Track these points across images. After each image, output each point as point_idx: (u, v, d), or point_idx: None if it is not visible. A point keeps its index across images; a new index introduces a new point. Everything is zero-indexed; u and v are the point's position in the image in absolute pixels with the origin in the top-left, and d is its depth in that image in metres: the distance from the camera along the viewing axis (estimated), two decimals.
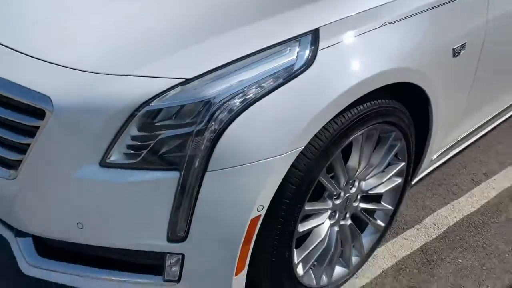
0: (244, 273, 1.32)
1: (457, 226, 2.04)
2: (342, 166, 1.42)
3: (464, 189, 2.27)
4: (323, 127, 1.26)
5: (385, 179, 1.64)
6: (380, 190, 1.65)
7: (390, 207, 1.74)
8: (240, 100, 1.14)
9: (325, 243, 1.54)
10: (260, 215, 1.23)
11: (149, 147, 1.16)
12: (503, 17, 1.76)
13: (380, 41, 1.35)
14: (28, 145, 1.24)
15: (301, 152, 1.24)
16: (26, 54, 1.26)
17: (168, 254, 1.26)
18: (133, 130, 1.16)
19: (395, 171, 1.65)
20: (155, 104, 1.13)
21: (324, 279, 1.60)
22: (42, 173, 1.25)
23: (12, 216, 1.38)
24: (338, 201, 1.52)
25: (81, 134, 1.18)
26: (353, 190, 1.57)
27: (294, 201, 1.28)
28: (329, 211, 1.51)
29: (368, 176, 1.59)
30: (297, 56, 1.21)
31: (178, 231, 1.21)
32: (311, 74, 1.21)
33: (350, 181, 1.53)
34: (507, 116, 2.43)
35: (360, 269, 1.78)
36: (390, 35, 1.37)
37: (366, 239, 1.73)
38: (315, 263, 1.57)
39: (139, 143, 1.17)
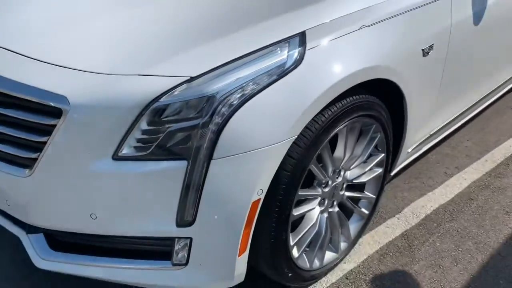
0: (246, 254, 1.44)
1: (434, 214, 2.21)
2: (329, 155, 1.57)
3: (438, 181, 2.45)
4: (312, 119, 1.41)
5: (367, 169, 1.80)
6: (363, 179, 1.81)
7: (372, 195, 1.89)
8: (239, 95, 1.29)
9: (317, 227, 1.68)
10: (260, 199, 1.36)
11: (159, 140, 1.28)
12: (464, 22, 1.96)
13: (358, 42, 1.52)
14: (44, 143, 1.35)
15: (294, 142, 1.38)
16: (41, 61, 1.38)
17: (177, 239, 1.38)
18: (143, 124, 1.28)
19: (375, 161, 1.81)
20: (163, 100, 1.26)
21: (316, 262, 1.73)
22: (58, 168, 1.35)
23: (27, 213, 1.47)
24: (326, 189, 1.67)
25: (96, 130, 1.30)
26: (339, 179, 1.72)
27: (289, 186, 1.42)
28: (319, 198, 1.66)
29: (352, 166, 1.75)
30: (287, 56, 1.36)
31: (186, 216, 1.33)
32: (301, 72, 1.37)
33: (337, 171, 1.68)
34: (474, 112, 2.64)
35: (348, 255, 1.92)
36: (367, 37, 1.54)
37: (353, 226, 1.88)
38: (307, 249, 1.71)
39: (149, 137, 1.29)
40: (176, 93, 1.26)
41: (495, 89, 2.66)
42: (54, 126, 1.32)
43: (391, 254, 1.96)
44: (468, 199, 2.33)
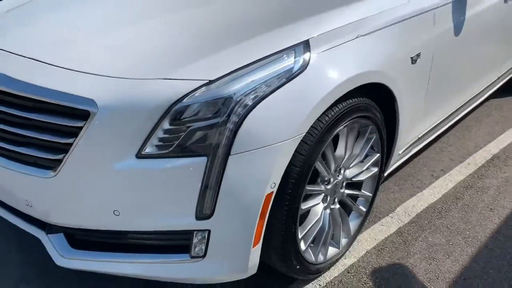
0: (259, 246, 1.55)
1: (424, 212, 2.35)
2: (332, 153, 1.71)
3: (426, 183, 2.61)
4: (318, 118, 1.54)
5: (364, 168, 1.93)
6: (361, 177, 1.94)
7: (369, 194, 2.03)
8: (253, 96, 1.41)
9: (321, 223, 1.80)
10: (273, 192, 1.48)
11: (180, 138, 1.39)
12: (446, 33, 2.14)
13: (355, 50, 1.67)
14: (70, 144, 1.44)
15: (302, 140, 1.51)
16: (69, 69, 1.48)
17: (195, 232, 1.48)
18: (165, 124, 1.39)
19: (372, 161, 1.95)
20: (185, 102, 1.38)
21: (321, 257, 1.84)
22: (83, 168, 1.44)
23: (50, 212, 1.55)
24: (329, 186, 1.80)
25: (120, 131, 1.40)
26: (340, 177, 1.85)
27: (298, 181, 1.54)
28: (323, 194, 1.78)
29: (351, 165, 1.88)
30: (294, 61, 1.50)
31: (205, 209, 1.43)
32: (306, 76, 1.50)
33: (338, 169, 1.81)
34: (458, 117, 2.83)
35: (348, 251, 2.04)
36: (362, 45, 1.69)
37: (352, 223, 2.00)
38: (311, 244, 1.82)
39: (171, 136, 1.39)
40: (196, 95, 1.38)
41: (476, 95, 2.86)
42: (81, 128, 1.41)
43: (387, 249, 2.09)
44: (454, 198, 2.48)
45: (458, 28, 2.22)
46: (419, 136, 2.33)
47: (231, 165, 1.40)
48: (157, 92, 1.38)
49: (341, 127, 1.66)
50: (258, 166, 1.43)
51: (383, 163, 2.03)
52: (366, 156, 1.93)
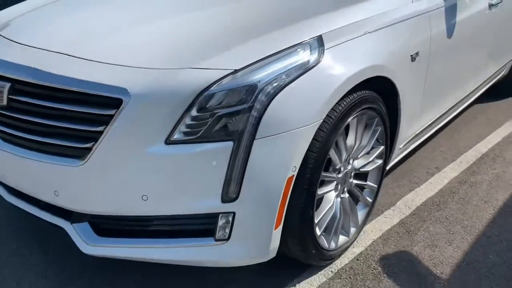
0: (280, 228, 1.63)
1: (424, 205, 2.47)
2: (344, 142, 1.81)
3: (423, 179, 2.73)
4: (332, 108, 1.65)
5: (370, 159, 2.04)
6: (368, 168, 2.05)
7: (374, 185, 2.13)
8: (275, 84, 1.51)
9: (333, 210, 1.89)
10: (293, 175, 1.57)
11: (208, 124, 1.47)
12: (440, 35, 2.29)
13: (363, 45, 1.79)
14: (100, 132, 1.51)
15: (319, 128, 1.61)
16: (101, 62, 1.56)
17: (220, 214, 1.55)
18: (193, 112, 1.47)
19: (377, 153, 2.06)
20: (212, 89, 1.46)
21: (333, 244, 1.93)
22: (113, 155, 1.51)
23: (78, 200, 1.60)
24: (340, 175, 1.89)
25: (151, 119, 1.47)
26: (349, 167, 1.95)
27: (315, 166, 1.63)
28: (335, 182, 1.88)
29: (359, 155, 1.99)
30: (310, 54, 1.61)
31: (231, 192, 1.51)
32: (321, 67, 1.61)
33: (348, 159, 1.91)
34: (452, 115, 2.99)
35: (355, 241, 2.13)
36: (369, 41, 1.82)
37: (359, 213, 2.10)
38: (324, 233, 1.90)
39: (198, 122, 1.47)
40: (223, 83, 1.47)
41: (468, 95, 3.02)
42: (112, 116, 1.48)
43: (392, 238, 2.19)
44: (450, 192, 2.61)
45: (450, 31, 2.37)
46: (417, 133, 2.46)
47: (256, 149, 1.49)
48: (186, 81, 1.47)
49: (352, 117, 1.77)
50: (281, 150, 1.52)
51: (387, 156, 2.14)
52: (372, 148, 2.04)
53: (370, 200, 2.14)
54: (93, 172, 1.55)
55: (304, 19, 1.72)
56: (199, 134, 1.48)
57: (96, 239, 1.65)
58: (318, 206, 1.84)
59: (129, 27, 1.76)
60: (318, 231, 1.81)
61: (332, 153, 1.76)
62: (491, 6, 2.86)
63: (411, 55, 2.05)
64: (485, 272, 1.99)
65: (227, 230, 1.57)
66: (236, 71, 1.49)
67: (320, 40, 1.66)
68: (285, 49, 1.58)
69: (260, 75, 1.50)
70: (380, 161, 2.10)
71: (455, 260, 2.06)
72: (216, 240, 1.59)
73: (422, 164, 2.91)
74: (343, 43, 1.71)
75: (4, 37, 1.84)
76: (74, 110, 1.54)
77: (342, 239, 2.00)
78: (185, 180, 1.51)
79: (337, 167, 1.86)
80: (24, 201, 1.82)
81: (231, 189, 1.51)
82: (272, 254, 1.68)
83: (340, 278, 1.92)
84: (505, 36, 3.32)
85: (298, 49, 1.61)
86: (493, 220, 2.36)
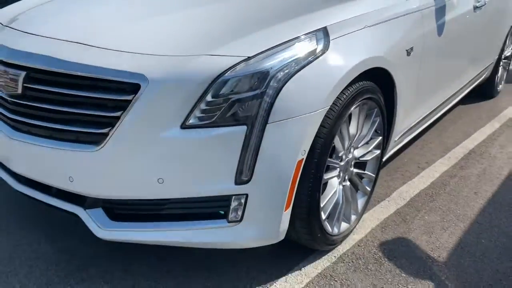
0: (290, 210, 1.69)
1: (417, 196, 2.57)
2: (348, 129, 1.89)
3: (414, 173, 2.83)
4: (337, 96, 1.73)
5: (369, 149, 2.13)
6: (367, 158, 2.14)
7: (372, 174, 2.22)
8: (286, 71, 1.58)
9: (337, 196, 1.96)
10: (303, 159, 1.64)
11: (222, 109, 1.53)
12: (431, 33, 2.41)
13: (363, 38, 1.88)
14: (117, 118, 1.56)
15: (325, 115, 1.69)
16: (119, 50, 1.60)
17: (234, 196, 1.61)
18: (208, 97, 1.53)
19: (375, 143, 2.15)
20: (227, 76, 1.53)
21: (335, 230, 2.00)
22: (129, 139, 1.55)
23: (93, 186, 1.64)
24: (342, 163, 1.98)
25: (167, 104, 1.53)
26: (350, 155, 2.04)
27: (322, 151, 1.71)
28: (338, 169, 1.96)
29: (359, 145, 2.07)
30: (317, 44, 1.69)
31: (244, 174, 1.57)
32: (328, 57, 1.69)
33: (349, 147, 2.00)
34: (443, 111, 3.13)
35: (355, 228, 2.21)
36: (369, 34, 1.91)
37: (359, 201, 2.18)
38: (327, 219, 1.97)
39: (213, 107, 1.54)
40: (237, 69, 1.54)
41: (455, 93, 3.15)
42: (129, 101, 1.53)
43: (390, 226, 2.27)
44: (442, 185, 2.72)
45: (440, 29, 2.50)
46: (410, 126, 2.57)
47: (268, 133, 1.55)
48: (201, 67, 1.53)
49: (355, 106, 1.85)
50: (292, 134, 1.59)
51: (384, 146, 2.23)
52: (371, 139, 2.13)
53: (368, 189, 2.22)
54: (109, 157, 1.59)
55: (310, 12, 1.80)
56: (213, 119, 1.54)
57: (110, 224, 1.69)
58: (323, 192, 1.91)
59: (143, 18, 1.82)
60: (323, 215, 1.88)
61: (337, 140, 1.84)
62: (475, 8, 3.01)
63: (407, 50, 2.16)
64: (479, 255, 2.09)
65: (240, 212, 1.63)
66: (249, 58, 1.56)
67: (325, 31, 1.74)
68: (293, 38, 1.66)
69: (272, 62, 1.57)
70: (378, 151, 2.19)
71: (451, 245, 2.15)
72: (229, 222, 1.64)
73: (413, 160, 3.02)
74: (346, 35, 1.80)
75: (15, 29, 1.88)
76: (91, 96, 1.58)
77: (344, 225, 2.07)
78: (200, 163, 1.56)
79: (340, 155, 1.94)
80: (34, 190, 1.84)
81: (245, 171, 1.57)
82: (282, 236, 1.74)
83: (343, 262, 2.00)
84: (486, 38, 3.49)
85: (306, 39, 1.69)
86: (484, 209, 2.47)
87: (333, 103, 1.71)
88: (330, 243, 1.98)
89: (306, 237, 1.86)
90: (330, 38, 1.74)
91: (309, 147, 1.65)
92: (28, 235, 2.07)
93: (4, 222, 2.16)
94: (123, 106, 1.55)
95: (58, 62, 1.62)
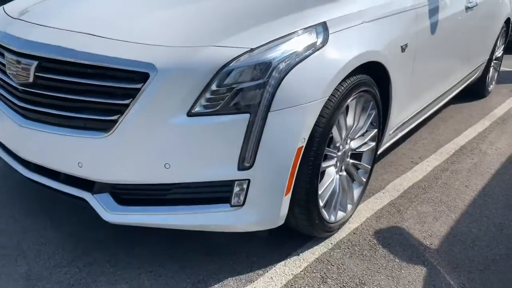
0: (290, 195, 1.77)
1: (411, 189, 2.66)
2: (345, 120, 1.98)
3: (408, 167, 2.93)
4: (335, 88, 1.82)
5: (365, 141, 2.22)
6: (363, 149, 2.22)
7: (368, 165, 2.31)
8: (287, 62, 1.67)
9: (333, 185, 2.05)
10: (303, 146, 1.72)
11: (226, 98, 1.61)
12: (425, 31, 2.51)
13: (361, 33, 1.97)
14: (126, 105, 1.63)
15: (324, 105, 1.77)
16: (128, 41, 1.68)
17: (236, 182, 1.68)
18: (213, 86, 1.61)
19: (371, 135, 2.24)
20: (231, 66, 1.61)
21: (332, 217, 2.08)
22: (138, 126, 1.63)
23: (102, 171, 1.71)
24: (339, 153, 2.06)
25: (175, 92, 1.60)
26: (347, 146, 2.12)
27: (321, 140, 1.79)
28: (335, 159, 2.04)
29: (356, 136, 2.16)
30: (317, 37, 1.78)
31: (246, 160, 1.65)
32: (327, 50, 1.78)
33: (346, 138, 2.08)
34: (435, 108, 3.22)
35: (351, 218, 2.30)
36: (367, 29, 2.00)
37: (355, 191, 2.26)
38: (324, 207, 2.05)
39: (217, 96, 1.61)
40: (241, 60, 1.61)
41: (447, 91, 3.25)
42: (139, 90, 1.61)
43: (384, 216, 2.36)
44: (434, 178, 2.81)
45: (433, 28, 2.60)
46: (404, 121, 2.66)
47: (270, 121, 1.63)
48: (207, 58, 1.61)
49: (352, 98, 1.94)
50: (292, 122, 1.67)
51: (379, 139, 2.32)
52: (367, 131, 2.22)
53: (364, 179, 2.31)
54: (118, 143, 1.66)
55: (310, 8, 1.89)
56: (218, 107, 1.61)
57: (117, 208, 1.76)
58: (321, 180, 1.99)
59: (151, 11, 1.89)
60: (321, 203, 1.96)
61: (334, 131, 1.92)
62: (467, 9, 3.12)
63: (401, 46, 2.25)
64: (470, 243, 2.18)
65: (242, 197, 1.71)
66: (252, 49, 1.64)
67: (325, 26, 1.83)
68: (295, 32, 1.74)
69: (274, 54, 1.66)
70: (373, 143, 2.28)
71: (442, 233, 2.24)
72: (232, 206, 1.72)
73: (407, 155, 3.12)
74: (344, 30, 1.89)
75: (27, 21, 1.95)
76: (101, 85, 1.66)
77: (340, 214, 2.16)
78: (205, 149, 1.64)
79: (337, 145, 2.02)
80: (43, 176, 1.91)
81: (247, 157, 1.65)
82: (281, 221, 1.82)
83: (340, 249, 2.08)
84: (478, 38, 3.60)
85: (306, 33, 1.77)
86: (474, 201, 2.57)
87: (331, 94, 1.80)
88: (328, 230, 2.06)
89: (305, 223, 1.94)
90: (329, 32, 1.82)
91: (308, 135, 1.73)
92: (35, 222, 2.13)
93: (11, 209, 2.23)
94: (133, 94, 1.63)
95: (69, 52, 1.69)
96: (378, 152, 2.52)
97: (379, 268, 1.97)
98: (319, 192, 1.93)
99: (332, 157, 2.02)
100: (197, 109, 1.62)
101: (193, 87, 1.60)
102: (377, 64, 2.08)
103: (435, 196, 2.60)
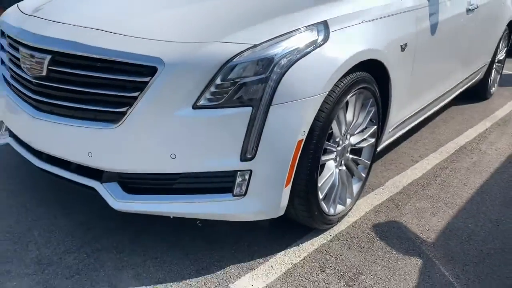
0: (290, 187, 1.85)
1: (410, 185, 2.72)
2: (345, 115, 2.05)
3: (408, 165, 2.99)
4: (335, 84, 1.89)
5: (364, 137, 2.29)
6: (362, 145, 2.29)
7: (367, 161, 2.37)
8: (289, 58, 1.74)
9: (333, 178, 2.12)
10: (303, 139, 1.79)
11: (230, 91, 1.69)
12: (424, 31, 2.58)
13: (361, 32, 2.04)
14: (135, 98, 1.71)
15: (324, 100, 1.85)
16: (137, 37, 1.76)
17: (239, 172, 1.76)
18: (218, 80, 1.69)
19: (370, 132, 2.31)
20: (235, 61, 1.68)
21: (332, 210, 2.15)
22: (145, 117, 1.71)
23: (111, 160, 1.79)
24: (339, 148, 2.13)
25: (181, 86, 1.68)
26: (346, 141, 2.19)
27: (320, 134, 1.86)
28: (335, 153, 2.11)
29: (356, 132, 2.23)
30: (318, 35, 1.85)
31: (248, 152, 1.73)
32: (328, 47, 1.85)
33: (346, 134, 2.15)
34: (434, 109, 3.28)
35: (350, 212, 2.36)
36: (366, 29, 2.07)
37: (354, 186, 2.33)
38: (324, 200, 2.12)
39: (222, 90, 1.69)
40: (244, 55, 1.69)
41: (447, 92, 3.31)
42: (147, 83, 1.69)
43: (383, 211, 2.43)
44: (433, 176, 2.87)
45: (433, 29, 2.66)
46: (404, 120, 2.72)
47: (271, 114, 1.71)
48: (212, 53, 1.69)
49: (352, 94, 2.01)
50: (293, 115, 1.74)
51: (378, 135, 2.39)
52: (366, 127, 2.29)
53: (363, 175, 2.38)
54: (127, 134, 1.74)
55: (312, 7, 1.97)
56: (222, 101, 1.69)
57: (125, 196, 1.84)
58: (320, 173, 2.06)
59: (160, 9, 1.97)
60: (320, 195, 2.03)
61: (334, 125, 1.99)
62: (468, 11, 3.18)
63: (401, 45, 2.32)
64: (465, 237, 2.24)
65: (244, 187, 1.78)
66: (255, 45, 1.72)
67: (326, 24, 1.90)
68: (296, 29, 1.82)
69: (276, 50, 1.73)
70: (372, 140, 2.35)
71: (439, 228, 2.31)
72: (234, 196, 1.79)
73: (407, 153, 3.18)
74: (345, 28, 1.96)
75: (40, 17, 2.04)
76: (111, 78, 1.74)
77: (339, 207, 2.22)
78: (209, 141, 1.72)
79: (337, 140, 2.09)
80: (54, 166, 1.99)
81: (249, 149, 1.72)
82: (281, 211, 1.89)
83: (338, 240, 2.15)
84: (479, 40, 3.66)
85: (308, 30, 1.84)
86: (472, 198, 2.63)
87: (331, 89, 1.87)
88: (327, 222, 2.13)
89: (304, 215, 2.01)
90: (330, 30, 1.90)
91: (308, 129, 1.80)
92: (46, 211, 2.22)
93: (24, 198, 2.31)
94: (141, 87, 1.71)
95: (81, 47, 1.78)
96: (378, 149, 2.58)
97: (376, 259, 2.03)
98: (319, 185, 2.00)
99: (332, 151, 2.09)
100: (202, 102, 1.69)
101: (198, 81, 1.68)
102: (377, 63, 2.15)
103: (433, 193, 2.66)
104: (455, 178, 2.85)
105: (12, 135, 2.27)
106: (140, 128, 1.73)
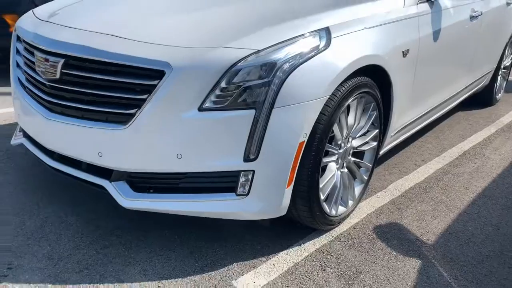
0: (291, 187, 1.91)
1: (412, 189, 2.77)
2: (346, 119, 2.11)
3: (411, 169, 3.04)
4: (336, 88, 1.96)
5: (366, 140, 2.34)
6: (364, 148, 2.35)
7: (369, 164, 2.43)
8: (291, 63, 1.81)
9: (335, 179, 2.18)
10: (304, 141, 1.86)
11: (234, 94, 1.76)
12: (427, 38, 2.63)
13: (362, 38, 2.11)
14: (143, 100, 1.79)
15: (325, 104, 1.91)
16: (146, 42, 1.84)
17: (242, 172, 1.83)
18: (222, 84, 1.76)
19: (372, 135, 2.36)
20: (239, 65, 1.76)
21: (333, 211, 2.21)
22: (153, 119, 1.78)
23: (120, 160, 1.87)
24: (340, 150, 2.19)
25: (187, 89, 1.75)
26: (348, 144, 2.25)
27: (322, 136, 1.93)
28: (336, 155, 2.17)
29: (357, 135, 2.29)
30: (320, 40, 1.92)
31: (251, 153, 1.79)
32: (329, 52, 1.92)
33: (347, 137, 2.21)
34: (436, 115, 3.32)
35: (352, 213, 2.42)
36: (368, 35, 2.14)
37: (356, 188, 2.39)
38: (326, 201, 2.18)
39: (226, 93, 1.77)
40: (248, 60, 1.76)
41: (450, 98, 3.35)
42: (155, 86, 1.77)
43: (384, 213, 2.48)
44: (435, 180, 2.92)
45: (436, 36, 2.72)
46: (406, 124, 2.77)
47: (274, 117, 1.78)
48: (218, 58, 1.76)
49: (353, 98, 2.07)
50: (295, 118, 1.81)
51: (380, 139, 2.44)
52: (368, 131, 2.35)
53: (365, 177, 2.43)
54: (135, 135, 1.82)
55: (314, 14, 2.04)
56: (226, 103, 1.76)
57: (133, 194, 1.91)
58: (322, 174, 2.12)
59: (168, 15, 2.06)
60: (322, 196, 2.09)
61: (336, 128, 2.06)
62: (472, 17, 3.23)
63: (403, 51, 2.38)
64: (465, 240, 2.29)
65: (247, 187, 1.85)
66: (259, 51, 1.79)
67: (328, 30, 1.97)
68: (299, 35, 1.89)
69: (279, 55, 1.80)
70: (374, 143, 2.40)
71: (439, 230, 2.35)
72: (237, 195, 1.86)
73: (410, 158, 3.23)
74: (346, 35, 2.03)
75: (55, 23, 2.13)
76: (121, 81, 1.82)
77: (341, 209, 2.28)
78: (213, 141, 1.79)
79: (338, 142, 2.15)
80: (65, 165, 2.08)
81: (252, 150, 1.79)
82: (283, 211, 1.95)
83: (340, 241, 2.20)
84: (484, 47, 3.70)
85: (310, 36, 1.91)
86: (473, 202, 2.67)
87: (332, 93, 1.94)
88: (328, 223, 2.19)
89: (306, 215, 2.07)
90: (332, 36, 1.96)
91: (310, 131, 1.87)
92: (57, 208, 2.30)
93: (35, 197, 2.40)
94: (149, 90, 1.79)
95: (93, 51, 1.87)
96: (381, 153, 2.64)
97: (376, 260, 2.08)
98: (320, 186, 2.06)
99: (333, 154, 2.15)
100: (207, 104, 1.77)
101: (204, 84, 1.75)
102: (379, 68, 2.21)
103: (435, 196, 2.70)
104: (457, 182, 2.90)
105: (26, 135, 2.37)
106: (148, 129, 1.80)
